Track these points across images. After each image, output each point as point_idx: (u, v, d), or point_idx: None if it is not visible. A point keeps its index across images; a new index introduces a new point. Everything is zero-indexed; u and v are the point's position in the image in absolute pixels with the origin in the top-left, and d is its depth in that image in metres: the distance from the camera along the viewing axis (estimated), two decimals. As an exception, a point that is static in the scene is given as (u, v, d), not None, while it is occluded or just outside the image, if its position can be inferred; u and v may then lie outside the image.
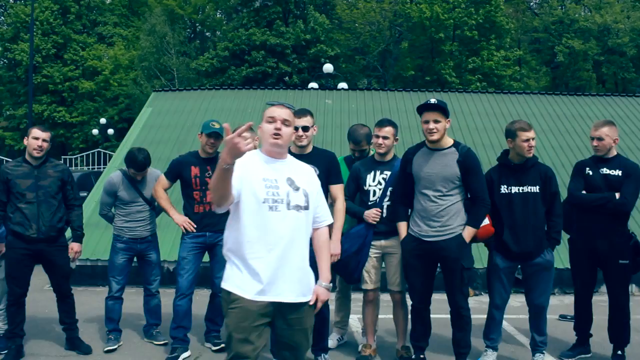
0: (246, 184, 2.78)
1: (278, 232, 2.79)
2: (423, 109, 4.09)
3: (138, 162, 4.82)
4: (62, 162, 4.93)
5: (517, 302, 6.50)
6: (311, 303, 2.92)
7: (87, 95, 35.07)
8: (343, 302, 5.07)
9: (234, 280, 2.82)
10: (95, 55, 35.50)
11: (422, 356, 4.38)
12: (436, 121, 4.01)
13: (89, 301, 6.05)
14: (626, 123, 10.64)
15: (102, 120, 31.82)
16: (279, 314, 2.84)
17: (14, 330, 4.62)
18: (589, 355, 4.79)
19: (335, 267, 4.32)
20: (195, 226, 4.64)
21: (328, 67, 20.43)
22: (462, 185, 4.09)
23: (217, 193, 2.68)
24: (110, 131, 32.07)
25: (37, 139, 4.58)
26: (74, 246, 4.79)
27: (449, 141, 4.14)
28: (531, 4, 39.20)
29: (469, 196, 4.16)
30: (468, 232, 4.04)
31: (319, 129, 9.50)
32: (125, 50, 35.74)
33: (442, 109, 4.02)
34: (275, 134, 2.86)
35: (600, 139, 4.53)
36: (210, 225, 4.64)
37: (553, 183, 4.37)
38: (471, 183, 4.07)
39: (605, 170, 4.52)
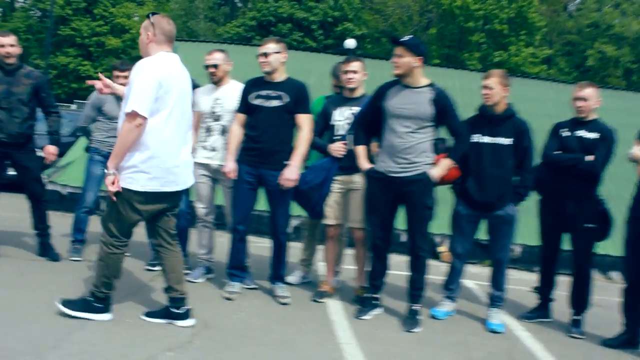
0: None
1: None
2: (391, 44, 4.12)
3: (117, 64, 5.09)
4: (37, 70, 5.00)
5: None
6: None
7: (114, 52, 35.28)
8: (310, 240, 5.09)
9: None
10: (124, 14, 35.66)
11: (376, 295, 4.38)
12: (399, 56, 4.01)
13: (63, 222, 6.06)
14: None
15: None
16: None
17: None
18: (549, 320, 4.76)
19: (297, 200, 4.37)
20: None
21: (350, 43, 20.06)
22: (433, 125, 4.07)
23: None
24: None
25: (2, 46, 4.59)
26: (49, 148, 4.86)
27: (424, 80, 4.12)
28: (569, 5, 38.45)
29: (437, 137, 4.15)
30: (446, 163, 4.05)
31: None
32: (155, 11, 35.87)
33: (407, 45, 4.01)
34: None
35: (584, 99, 4.45)
36: None
37: (526, 137, 4.33)
38: (450, 121, 4.07)
39: (581, 133, 4.45)
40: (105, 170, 3.38)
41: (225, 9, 36.85)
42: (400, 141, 4.05)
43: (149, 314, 3.69)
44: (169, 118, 3.38)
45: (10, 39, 4.63)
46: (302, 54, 12.76)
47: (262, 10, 30.30)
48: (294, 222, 6.52)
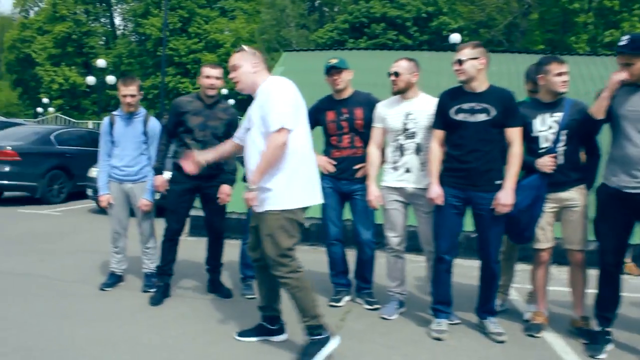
0: None
1: None
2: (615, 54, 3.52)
3: None
4: (231, 105, 4.75)
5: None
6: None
7: (210, 67, 36.23)
8: (507, 265, 4.53)
9: None
10: (217, 29, 36.57)
11: (608, 329, 3.76)
12: (629, 65, 3.42)
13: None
14: None
15: (224, 91, 32.70)
16: None
17: (164, 267, 4.54)
18: None
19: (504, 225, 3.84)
20: (335, 164, 4.42)
21: (455, 37, 19.42)
22: None
23: None
24: (231, 101, 32.93)
25: (208, 77, 4.41)
26: (225, 188, 4.58)
27: None
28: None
29: None
30: None
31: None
32: (246, 24, 36.54)
33: (633, 50, 3.39)
34: None
35: None
36: (346, 172, 4.37)
37: None
38: None
39: None
40: (248, 186, 3.23)
41: (315, 16, 36.86)
42: (637, 150, 3.42)
43: (242, 334, 3.71)
44: (306, 132, 3.38)
45: (218, 72, 4.42)
46: (418, 53, 12.20)
47: (353, 12, 29.97)
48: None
